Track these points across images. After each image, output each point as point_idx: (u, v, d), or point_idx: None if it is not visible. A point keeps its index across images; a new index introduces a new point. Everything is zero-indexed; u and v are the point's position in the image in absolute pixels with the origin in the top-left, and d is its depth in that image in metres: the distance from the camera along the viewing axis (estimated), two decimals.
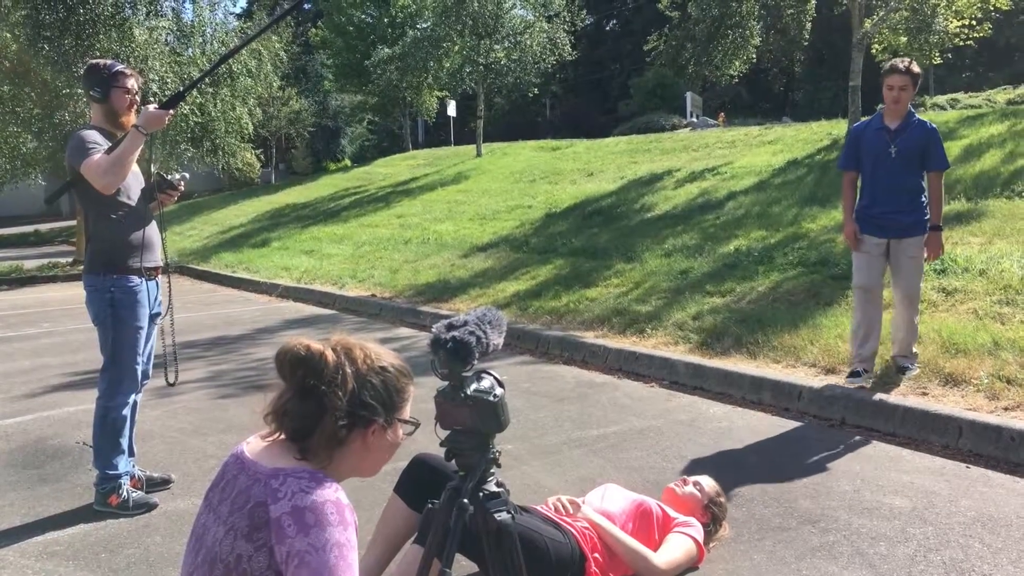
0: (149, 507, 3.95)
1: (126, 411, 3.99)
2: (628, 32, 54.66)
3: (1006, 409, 4.55)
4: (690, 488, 3.41)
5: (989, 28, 27.16)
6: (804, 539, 3.39)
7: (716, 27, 15.79)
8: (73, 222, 22.33)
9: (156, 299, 4.16)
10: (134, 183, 4.07)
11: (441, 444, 2.06)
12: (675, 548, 3.10)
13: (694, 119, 33.90)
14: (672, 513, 3.25)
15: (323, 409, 1.70)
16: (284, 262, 14.71)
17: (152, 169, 4.91)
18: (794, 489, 3.94)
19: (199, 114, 17.65)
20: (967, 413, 4.50)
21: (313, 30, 38.61)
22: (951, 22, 19.67)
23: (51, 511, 3.98)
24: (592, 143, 22.82)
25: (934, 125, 5.22)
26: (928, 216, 5.20)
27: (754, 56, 17.16)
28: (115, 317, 3.95)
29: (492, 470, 2.06)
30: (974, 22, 24.71)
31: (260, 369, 7.11)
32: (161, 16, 15.99)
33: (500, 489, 2.06)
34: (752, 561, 3.21)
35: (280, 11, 29.79)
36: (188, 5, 41.44)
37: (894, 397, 4.88)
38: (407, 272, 11.88)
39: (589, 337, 7.10)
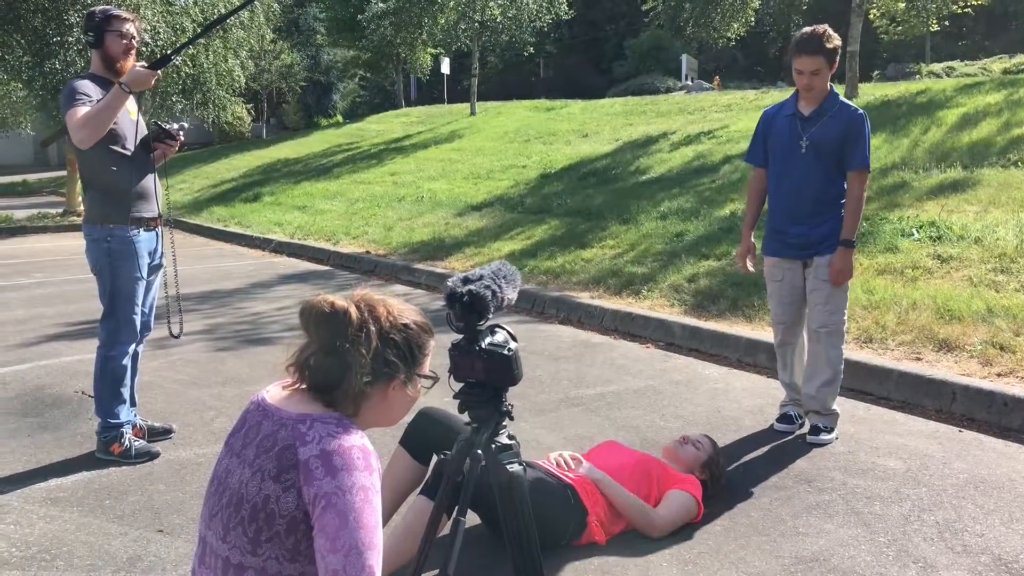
0: (151, 456, 3.98)
1: (126, 361, 4.00)
2: None
3: (999, 375, 4.60)
4: (689, 446, 3.45)
5: None
6: (800, 498, 3.44)
7: None
8: (63, 172, 22.10)
9: (157, 251, 4.14)
10: (131, 132, 4.02)
11: (455, 396, 2.08)
12: (674, 504, 3.14)
13: (689, 82, 33.70)
14: (671, 470, 3.29)
15: (346, 365, 1.71)
16: (277, 217, 14.64)
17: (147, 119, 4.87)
18: (790, 449, 3.99)
19: (191, 65, 17.46)
20: (961, 378, 4.56)
21: None
22: None
23: (53, 458, 4.00)
24: (587, 104, 22.66)
25: (862, 111, 4.10)
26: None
27: (752, 19, 17.04)
28: (112, 267, 3.93)
29: (504, 422, 2.08)
30: None
31: (256, 323, 7.12)
32: None
33: (512, 441, 2.09)
34: (750, 518, 3.26)
35: None
36: None
37: (889, 361, 4.93)
38: (401, 230, 11.85)
39: (585, 297, 7.12)
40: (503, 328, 2.08)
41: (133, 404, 4.15)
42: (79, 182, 4.16)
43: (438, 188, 14.89)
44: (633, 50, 41.38)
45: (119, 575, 2.88)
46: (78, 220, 17.41)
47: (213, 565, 1.71)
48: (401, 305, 1.80)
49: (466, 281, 2.00)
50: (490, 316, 2.01)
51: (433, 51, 31.70)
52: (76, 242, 14.37)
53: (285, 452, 1.65)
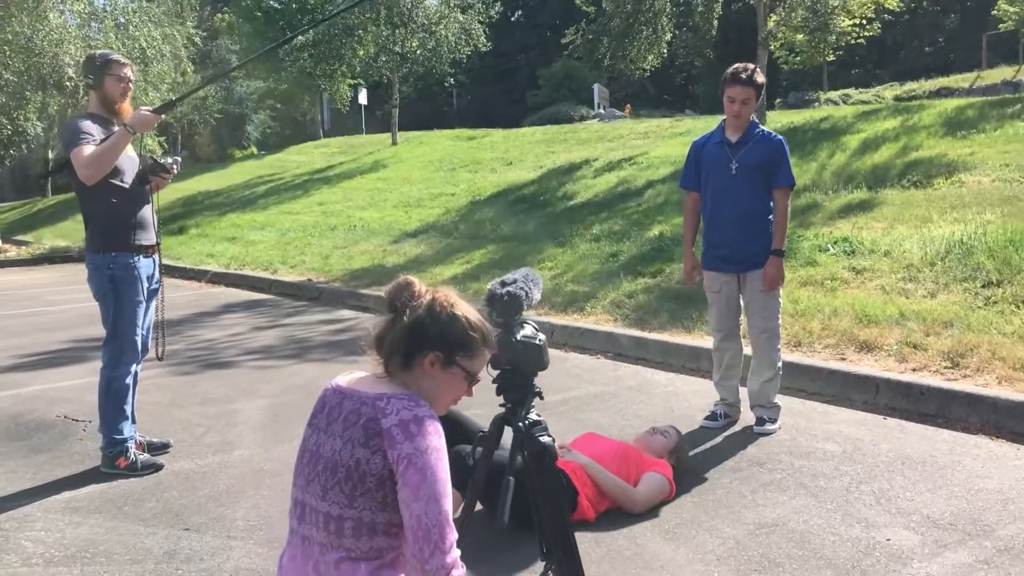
0: (156, 468, 4.23)
1: (128, 380, 4.25)
2: (534, 24, 55.33)
3: (914, 370, 5.20)
4: (659, 436, 3.91)
5: (878, 27, 28.70)
6: (755, 477, 3.92)
7: (631, 22, 16.43)
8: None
9: (154, 276, 4.41)
10: (129, 167, 4.31)
11: (493, 381, 2.47)
12: (651, 484, 3.58)
13: (602, 110, 34.72)
14: (646, 456, 3.73)
15: (401, 326, 2.07)
16: (207, 248, 14.72)
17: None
18: (740, 439, 4.49)
19: None
20: (882, 373, 5.14)
21: (219, 15, 37.91)
22: (844, 20, 20.88)
23: (56, 475, 4.21)
24: (508, 133, 23.27)
25: (781, 137, 4.63)
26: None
27: (665, 52, 17.91)
28: (115, 292, 4.20)
29: (533, 402, 2.48)
30: (865, 21, 26.18)
31: (213, 349, 7.33)
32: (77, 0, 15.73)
33: (541, 418, 2.49)
34: (715, 495, 3.72)
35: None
36: None
37: (818, 361, 5.50)
38: (339, 258, 12.12)
39: (532, 316, 7.54)
40: (530, 323, 2.49)
41: (133, 421, 4.39)
42: None
43: (369, 217, 15.19)
44: (546, 79, 42.40)
45: (160, 566, 3.16)
46: (14, 255, 17.14)
47: (314, 521, 2.06)
48: (466, 304, 2.17)
49: (504, 284, 2.41)
50: (523, 312, 2.42)
51: (351, 82, 31.96)
52: (16, 277, 14.18)
53: (369, 423, 2.01)
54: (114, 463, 4.18)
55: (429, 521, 1.93)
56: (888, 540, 3.21)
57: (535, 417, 2.48)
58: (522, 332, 2.43)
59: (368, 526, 1.99)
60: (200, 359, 6.89)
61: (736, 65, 4.60)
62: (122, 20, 17.93)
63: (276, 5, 34.94)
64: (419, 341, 2.09)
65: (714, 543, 3.25)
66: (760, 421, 4.61)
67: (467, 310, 2.17)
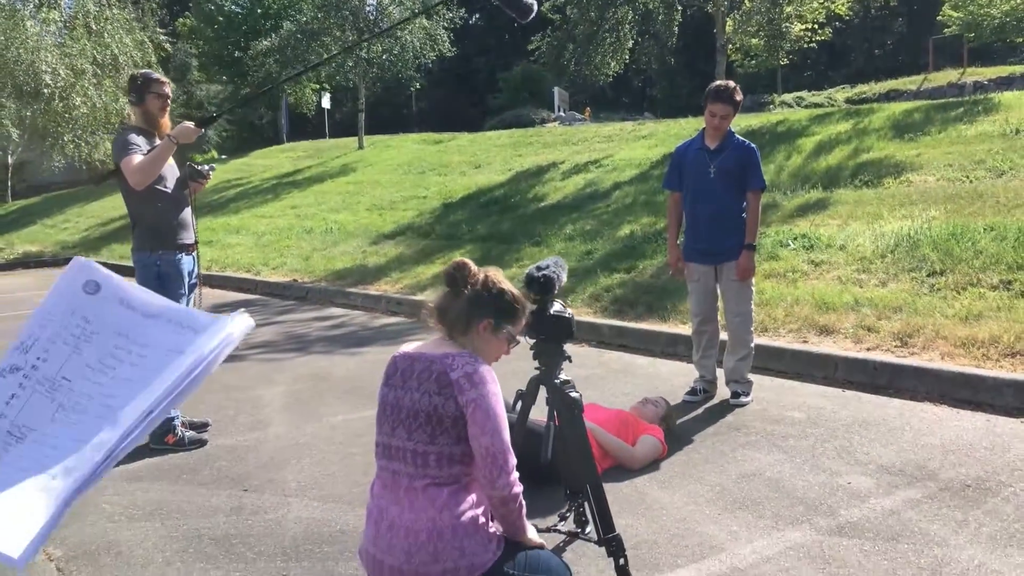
0: (201, 443, 4.71)
1: None
2: (493, 27, 55.89)
3: (868, 349, 5.84)
4: (650, 406, 4.50)
5: (830, 32, 29.69)
6: (734, 439, 4.51)
7: (595, 30, 17.08)
8: None
9: (194, 271, 4.89)
10: (171, 174, 4.79)
11: (531, 348, 3.01)
12: (647, 445, 4.15)
13: (562, 113, 35.45)
14: (641, 421, 4.31)
15: (458, 300, 2.62)
16: None
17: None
18: (717, 410, 5.08)
19: (89, 106, 17.67)
20: (840, 352, 5.78)
21: (181, 19, 37.97)
22: (796, 26, 21.74)
23: None
24: (475, 136, 23.81)
25: (753, 145, 5.26)
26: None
27: (627, 58, 18.58)
28: (162, 287, 4.65)
29: (563, 364, 3.03)
30: (816, 26, 27.13)
31: None
32: (52, 8, 15.97)
33: (569, 378, 3.03)
34: (700, 454, 4.31)
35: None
36: None
37: (783, 343, 6.12)
38: (320, 259, 12.57)
39: None
40: (560, 301, 3.04)
41: None
42: None
43: (344, 219, 15.62)
44: (506, 83, 43.00)
45: (231, 519, 3.66)
46: None
47: (401, 457, 2.58)
48: (508, 282, 2.71)
49: (539, 269, 2.95)
50: (556, 292, 2.97)
51: (315, 87, 32.30)
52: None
53: (441, 376, 2.54)
54: (163, 440, 4.65)
55: (495, 449, 2.48)
56: (849, 483, 3.82)
57: (564, 377, 3.03)
58: (554, 308, 2.98)
59: (448, 457, 2.52)
60: None
61: (718, 83, 5.23)
62: (94, 28, 18.13)
63: (238, 10, 35.20)
64: (478, 311, 2.64)
65: (703, 489, 3.83)
66: (735, 395, 5.22)
67: (511, 286, 2.73)
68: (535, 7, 3.70)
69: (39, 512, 1.09)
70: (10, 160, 32.23)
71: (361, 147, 25.75)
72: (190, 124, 4.61)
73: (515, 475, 2.50)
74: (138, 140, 4.60)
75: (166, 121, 4.80)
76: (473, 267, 2.69)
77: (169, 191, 4.74)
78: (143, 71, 4.89)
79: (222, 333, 1.34)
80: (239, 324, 1.62)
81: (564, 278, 3.01)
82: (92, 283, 1.27)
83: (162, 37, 22.38)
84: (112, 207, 23.62)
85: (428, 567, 2.44)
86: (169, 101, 4.86)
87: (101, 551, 3.40)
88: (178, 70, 41.07)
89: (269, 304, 10.42)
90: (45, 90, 15.46)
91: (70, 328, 1.13)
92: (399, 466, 2.59)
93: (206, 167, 4.92)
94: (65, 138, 18.00)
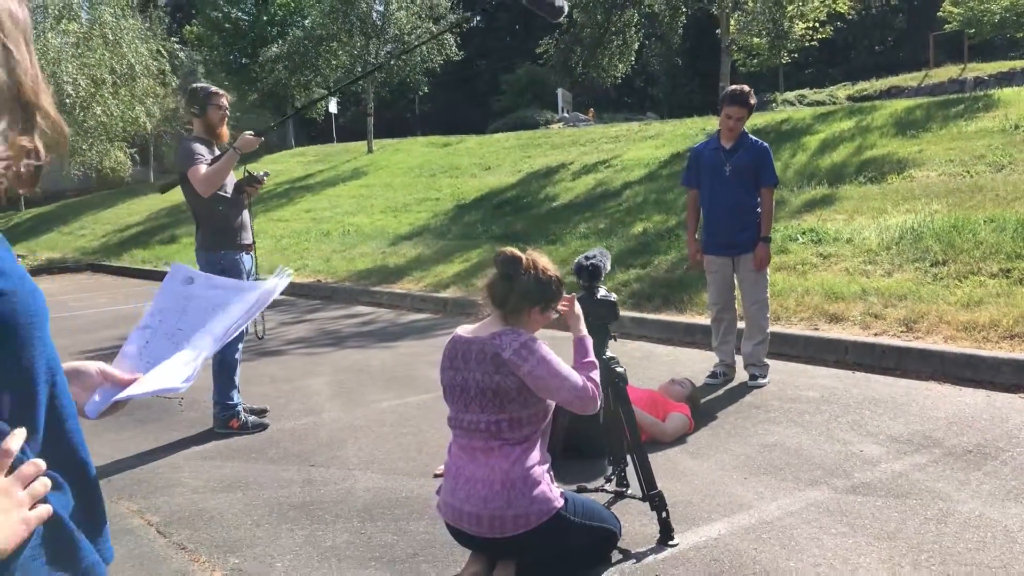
0: (263, 427, 5.11)
1: (237, 356, 5.13)
2: (493, 29, 56.26)
3: (875, 335, 6.23)
4: (677, 385, 4.89)
5: (831, 30, 30.04)
6: (754, 416, 4.91)
7: (602, 33, 17.48)
8: None
9: (252, 270, 5.29)
10: (229, 179, 5.19)
11: None
12: (676, 420, 4.55)
13: (566, 114, 35.77)
14: (670, 400, 4.70)
15: (512, 290, 3.00)
16: None
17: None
18: (737, 392, 5.47)
19: (105, 115, 18.09)
20: (850, 337, 6.17)
21: (188, 27, 38.42)
22: (798, 25, 22.13)
23: (174, 438, 5.07)
24: (483, 139, 24.19)
25: (766, 144, 5.65)
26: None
27: (633, 60, 18.97)
28: None
29: (609, 341, 3.42)
30: (818, 24, 27.51)
31: (255, 342, 8.12)
32: (72, 20, 16.39)
33: (615, 355, 3.43)
34: (724, 429, 4.70)
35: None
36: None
37: (796, 331, 6.51)
38: (340, 260, 12.97)
39: None
40: (605, 286, 3.43)
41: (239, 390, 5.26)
42: None
43: (360, 222, 16.03)
44: (510, 85, 43.35)
45: (305, 488, 4.06)
46: None
47: (475, 427, 2.96)
48: (551, 265, 3.09)
49: (587, 258, 3.35)
50: (602, 279, 3.36)
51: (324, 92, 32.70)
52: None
53: (495, 357, 2.93)
54: (227, 424, 5.05)
55: (570, 391, 2.92)
56: (861, 451, 4.21)
57: (610, 354, 3.42)
58: (600, 292, 3.37)
59: (518, 420, 2.92)
60: (250, 349, 7.70)
61: (733, 88, 5.63)
62: (111, 38, 18.56)
63: (245, 17, 35.64)
64: (529, 299, 3.03)
65: (729, 458, 4.22)
66: (753, 377, 5.62)
67: (556, 271, 3.10)
68: (566, 7, 3.82)
69: (189, 363, 1.49)
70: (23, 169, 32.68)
71: (370, 151, 26.14)
72: (250, 134, 5.01)
73: (589, 385, 2.95)
74: (201, 150, 5.00)
75: (224, 130, 5.20)
76: (523, 257, 3.06)
77: (228, 195, 5.14)
78: (202, 85, 5.29)
79: (275, 279, 1.76)
80: (284, 277, 2.05)
81: (608, 266, 3.41)
82: (188, 278, 1.68)
83: (176, 46, 22.68)
84: (127, 214, 24.07)
85: (503, 511, 2.84)
86: (227, 112, 5.25)
87: (194, 517, 3.79)
88: (185, 77, 41.62)
89: (296, 304, 10.82)
90: (67, 100, 15.86)
91: (178, 303, 1.54)
92: (475, 435, 2.98)
93: (261, 173, 5.33)
94: (83, 147, 18.36)
